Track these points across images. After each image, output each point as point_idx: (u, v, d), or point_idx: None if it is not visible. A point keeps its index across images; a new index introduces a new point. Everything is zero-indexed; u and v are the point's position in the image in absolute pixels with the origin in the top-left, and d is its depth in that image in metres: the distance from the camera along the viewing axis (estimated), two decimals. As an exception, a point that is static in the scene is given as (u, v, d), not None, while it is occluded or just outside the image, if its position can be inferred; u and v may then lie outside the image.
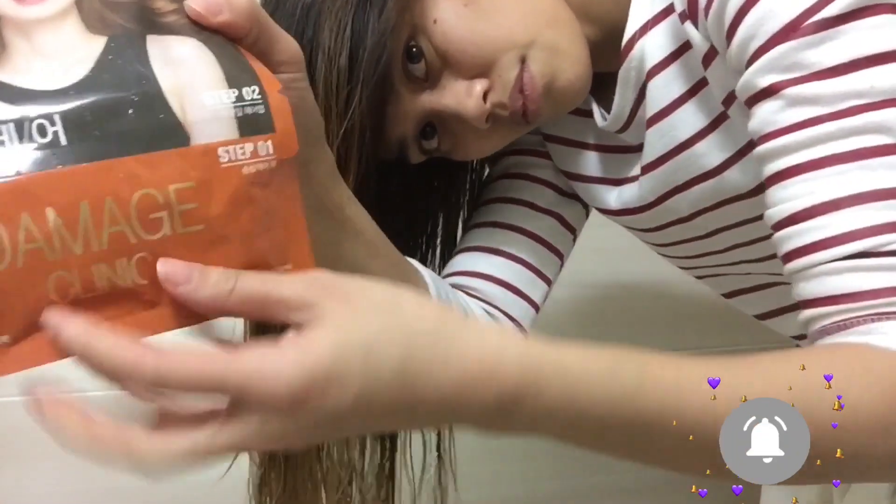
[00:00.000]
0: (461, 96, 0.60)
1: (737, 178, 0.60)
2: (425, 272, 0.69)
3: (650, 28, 0.59)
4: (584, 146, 0.72)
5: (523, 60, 0.60)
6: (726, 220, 0.65)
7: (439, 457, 0.74)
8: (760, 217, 0.61)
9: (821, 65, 0.48)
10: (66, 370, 0.42)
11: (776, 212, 0.51)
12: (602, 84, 0.65)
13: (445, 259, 0.76)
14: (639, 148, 0.66)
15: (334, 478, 0.67)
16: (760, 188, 0.59)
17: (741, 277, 0.72)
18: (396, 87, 0.59)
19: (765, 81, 0.50)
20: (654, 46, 0.59)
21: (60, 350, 0.40)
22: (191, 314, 0.42)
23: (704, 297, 1.28)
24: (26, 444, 1.09)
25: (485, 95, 0.60)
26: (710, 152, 0.60)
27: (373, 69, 0.56)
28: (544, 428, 0.43)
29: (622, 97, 0.63)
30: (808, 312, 0.50)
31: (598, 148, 0.71)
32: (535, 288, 0.74)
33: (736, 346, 1.34)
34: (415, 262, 0.69)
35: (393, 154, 0.64)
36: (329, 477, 0.67)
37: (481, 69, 0.60)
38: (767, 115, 0.50)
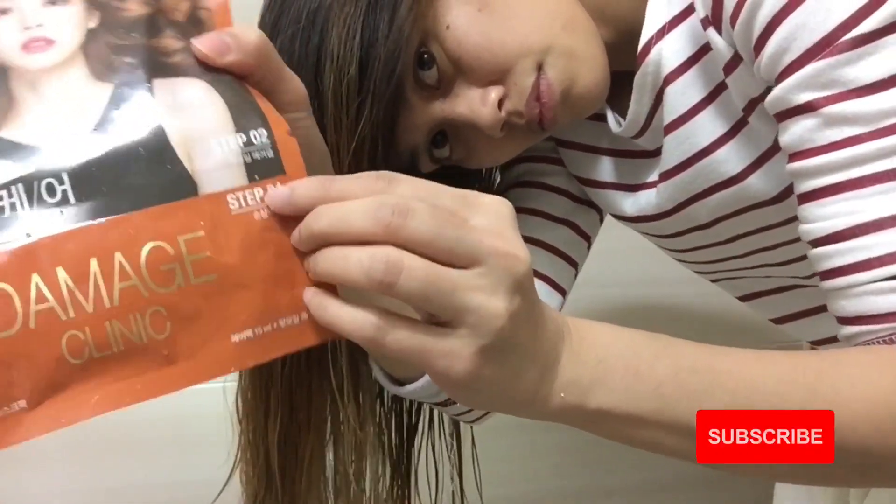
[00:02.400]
0: (475, 104, 0.58)
1: (759, 184, 0.59)
2: None
3: (667, 32, 0.57)
4: (599, 151, 0.70)
5: (540, 67, 0.58)
6: (747, 226, 0.64)
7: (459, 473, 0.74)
8: (782, 223, 0.61)
9: (859, 82, 0.47)
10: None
11: (815, 229, 0.50)
12: (616, 87, 0.63)
13: None
14: (655, 153, 0.64)
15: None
16: (783, 195, 0.59)
17: (761, 280, 0.71)
18: (407, 96, 0.57)
19: (801, 98, 0.49)
20: (672, 52, 0.58)
21: (82, 411, 0.40)
22: (214, 365, 0.42)
23: (704, 297, 1.28)
24: (26, 444, 1.09)
25: (500, 103, 0.58)
26: (731, 159, 0.59)
27: (385, 81, 0.54)
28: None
29: (638, 103, 0.62)
30: (851, 329, 0.50)
31: (613, 153, 0.70)
32: (551, 300, 0.73)
33: (736, 347, 1.34)
34: None
35: (404, 164, 0.62)
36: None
37: (496, 76, 0.58)
38: (804, 132, 0.50)
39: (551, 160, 0.74)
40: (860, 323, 0.49)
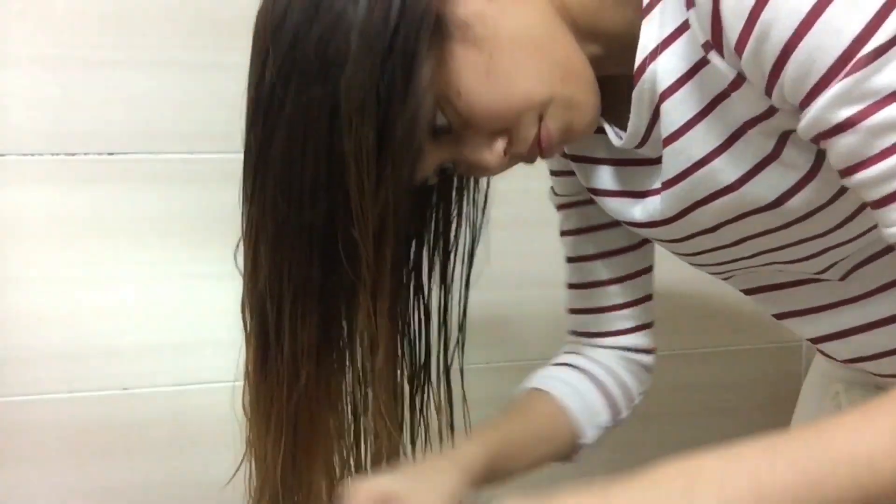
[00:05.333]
0: (483, 151, 0.62)
1: (755, 192, 0.60)
2: (576, 416, 0.79)
3: (661, 51, 0.59)
4: (604, 161, 0.73)
5: (541, 118, 0.62)
6: (750, 230, 0.65)
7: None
8: (783, 226, 0.62)
9: (891, 87, 0.48)
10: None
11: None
12: (612, 97, 0.65)
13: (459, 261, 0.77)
14: (658, 160, 0.66)
15: None
16: (779, 201, 0.60)
17: (775, 274, 0.72)
18: (422, 147, 0.59)
19: (839, 116, 0.50)
20: (665, 70, 0.59)
21: None
22: None
23: (704, 297, 1.29)
24: (26, 444, 1.09)
25: (504, 150, 0.63)
26: (726, 169, 0.60)
27: (405, 150, 0.57)
28: None
29: (637, 117, 0.63)
30: None
31: (618, 162, 0.72)
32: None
33: (736, 347, 1.34)
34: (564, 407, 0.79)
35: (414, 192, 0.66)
36: None
37: (502, 129, 0.62)
38: (852, 147, 0.51)
39: (566, 173, 0.80)
40: None
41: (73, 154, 1.03)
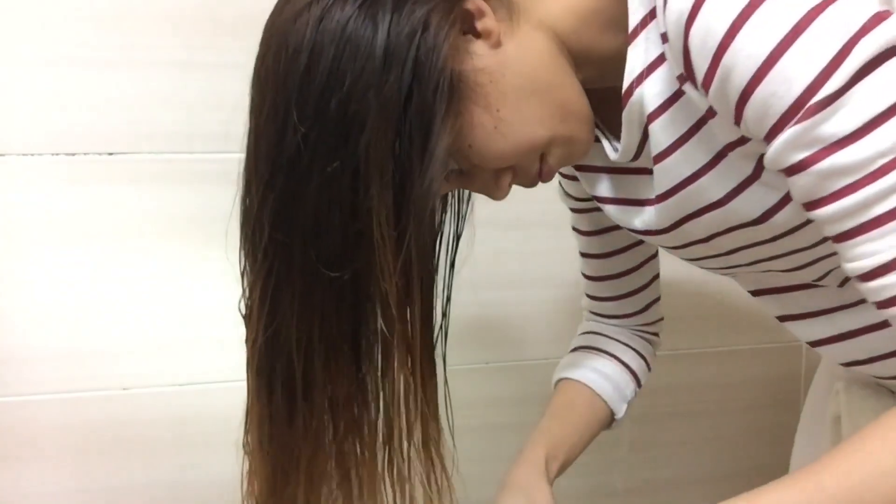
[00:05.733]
0: (489, 185, 0.67)
1: (742, 207, 0.62)
2: (609, 398, 0.88)
3: (645, 77, 0.61)
4: (604, 170, 0.76)
5: (543, 157, 0.65)
6: (741, 241, 0.67)
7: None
8: (772, 240, 0.64)
9: (838, 135, 0.51)
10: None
11: (854, 268, 0.54)
12: (608, 108, 0.67)
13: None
14: (652, 172, 0.68)
15: None
16: (764, 217, 0.62)
17: (778, 276, 0.74)
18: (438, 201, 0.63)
19: (792, 159, 0.53)
20: (651, 94, 0.61)
21: None
22: None
23: (704, 297, 1.29)
24: (26, 444, 1.09)
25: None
26: (713, 186, 0.63)
27: (423, 212, 0.58)
28: None
29: (629, 134, 0.66)
30: None
31: (615, 171, 0.74)
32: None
33: (736, 347, 1.34)
34: (592, 388, 0.88)
35: None
36: None
37: (507, 167, 0.66)
38: (807, 187, 0.54)
39: (574, 177, 0.83)
40: None
41: (73, 154, 1.03)
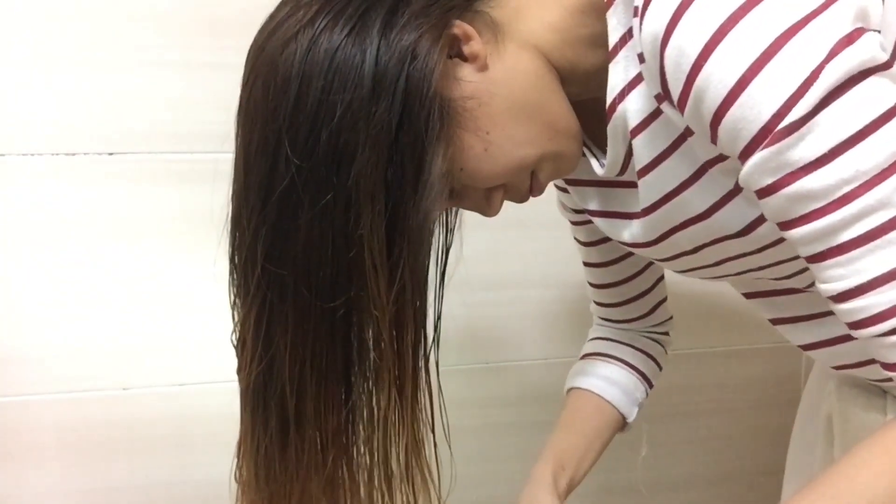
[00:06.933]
0: (481, 204, 0.67)
1: (725, 219, 0.63)
2: (619, 404, 0.89)
3: (627, 94, 0.61)
4: (593, 184, 0.76)
5: (533, 173, 0.66)
6: (727, 253, 0.68)
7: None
8: (757, 251, 0.65)
9: (804, 160, 0.51)
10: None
11: (826, 289, 0.55)
12: (596, 123, 0.68)
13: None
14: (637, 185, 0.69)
15: None
16: (747, 230, 0.62)
17: (769, 281, 0.75)
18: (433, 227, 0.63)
19: (762, 182, 0.54)
20: (633, 111, 0.62)
21: None
22: None
23: (704, 298, 1.29)
24: (26, 444, 1.09)
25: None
26: (696, 199, 0.63)
27: (418, 240, 0.58)
28: None
29: (614, 149, 0.66)
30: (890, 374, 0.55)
31: (602, 184, 0.75)
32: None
33: (736, 347, 1.34)
34: (602, 397, 0.89)
35: None
36: None
37: (498, 186, 0.66)
38: (777, 209, 0.54)
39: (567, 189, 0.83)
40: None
41: (73, 154, 1.03)
